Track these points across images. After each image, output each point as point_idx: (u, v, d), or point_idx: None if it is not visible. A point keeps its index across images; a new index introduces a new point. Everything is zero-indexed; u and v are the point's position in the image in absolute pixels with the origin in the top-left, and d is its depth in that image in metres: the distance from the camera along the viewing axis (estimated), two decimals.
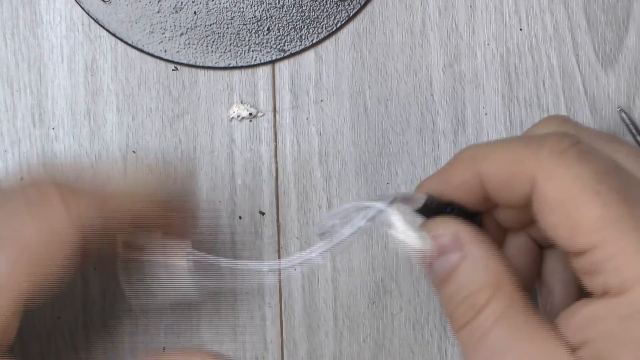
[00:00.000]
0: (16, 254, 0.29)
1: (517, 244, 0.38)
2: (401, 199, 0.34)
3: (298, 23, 0.44)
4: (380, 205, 0.34)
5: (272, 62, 0.45)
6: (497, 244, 0.37)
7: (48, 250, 0.30)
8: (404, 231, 0.33)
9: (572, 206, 0.30)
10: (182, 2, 0.44)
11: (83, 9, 0.44)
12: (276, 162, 0.44)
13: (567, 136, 0.32)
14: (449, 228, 0.34)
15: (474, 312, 0.32)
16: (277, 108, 0.45)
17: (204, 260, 0.35)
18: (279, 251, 0.44)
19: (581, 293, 0.32)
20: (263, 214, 0.44)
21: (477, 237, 0.33)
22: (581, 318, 0.31)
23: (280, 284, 0.44)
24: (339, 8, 0.44)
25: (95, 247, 0.32)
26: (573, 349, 0.30)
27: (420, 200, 0.35)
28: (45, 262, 0.30)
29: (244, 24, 0.44)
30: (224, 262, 0.35)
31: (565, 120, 0.36)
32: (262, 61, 0.44)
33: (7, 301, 0.30)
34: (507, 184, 0.32)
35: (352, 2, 0.44)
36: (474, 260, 0.33)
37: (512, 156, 0.32)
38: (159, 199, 0.36)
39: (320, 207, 0.44)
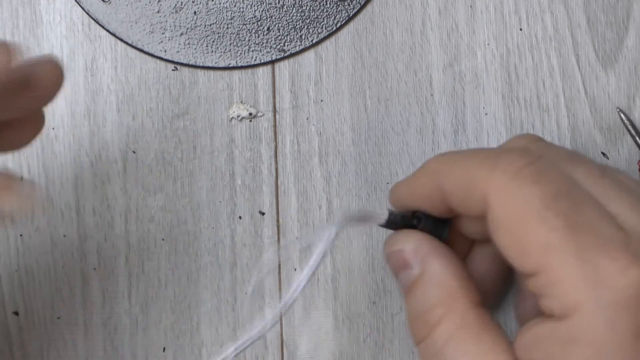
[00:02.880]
0: None
1: (485, 251, 0.38)
2: (362, 218, 0.35)
3: (298, 23, 0.44)
4: (333, 228, 0.33)
5: (272, 62, 0.45)
6: (463, 254, 0.38)
7: None
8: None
9: (520, 230, 0.30)
10: (182, 2, 0.44)
11: (83, 9, 0.44)
12: (276, 162, 0.44)
13: (524, 154, 0.32)
14: (409, 243, 0.34)
15: (428, 329, 0.33)
16: (277, 108, 0.45)
17: None
18: (279, 251, 0.44)
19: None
20: (263, 214, 0.44)
21: (436, 252, 0.34)
22: (530, 337, 0.31)
23: (280, 284, 0.44)
24: (339, 8, 0.44)
25: None
26: None
27: (382, 216, 0.35)
28: None
29: (244, 24, 0.44)
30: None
31: (535, 139, 0.36)
32: (262, 61, 0.44)
33: None
34: (463, 200, 0.33)
35: (352, 2, 0.44)
36: (430, 276, 0.34)
37: (468, 173, 0.32)
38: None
39: (320, 207, 0.44)
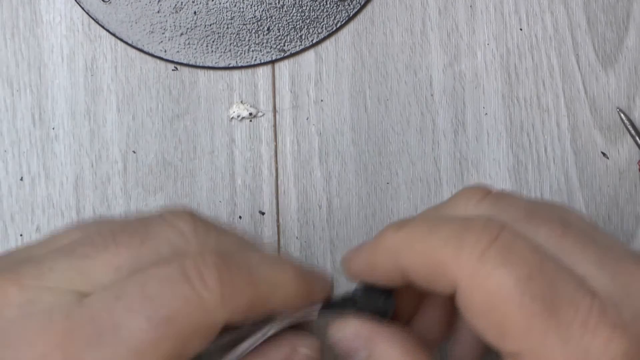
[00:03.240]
0: (163, 325, 0.28)
1: (433, 303, 0.37)
2: (290, 322, 0.33)
3: (298, 23, 0.44)
4: (259, 335, 0.32)
5: (272, 62, 0.45)
6: (409, 316, 0.37)
7: (193, 329, 0.29)
8: None
9: (497, 316, 0.30)
10: (182, 2, 0.44)
11: (83, 9, 0.44)
12: (276, 162, 0.44)
13: (487, 228, 0.31)
14: (348, 329, 0.34)
15: None
16: (277, 108, 0.45)
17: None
18: (278, 251, 0.44)
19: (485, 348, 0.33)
20: (263, 214, 0.44)
21: (379, 334, 0.33)
22: None
23: None
24: (339, 8, 0.44)
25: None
26: None
27: (314, 313, 0.34)
28: (187, 340, 0.29)
29: (244, 24, 0.44)
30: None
31: (484, 194, 0.35)
32: (262, 61, 0.44)
33: None
34: (428, 281, 0.32)
35: (352, 2, 0.44)
36: (376, 358, 0.33)
37: (431, 256, 0.31)
38: (306, 288, 0.33)
39: (320, 207, 0.44)
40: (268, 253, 0.34)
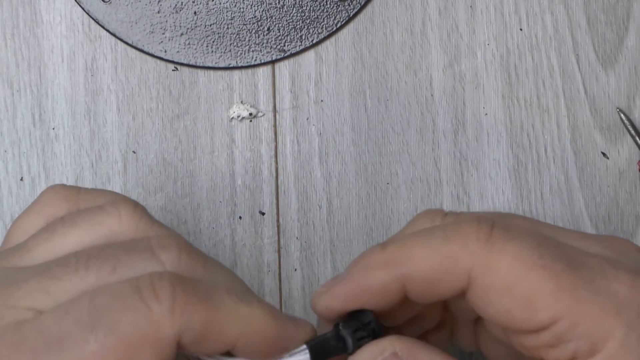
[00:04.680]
0: (107, 335, 0.28)
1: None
2: None
3: (298, 23, 0.44)
4: None
5: (272, 62, 0.45)
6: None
7: (141, 342, 0.28)
8: None
9: (524, 287, 0.30)
10: (182, 2, 0.44)
11: (83, 9, 0.44)
12: (276, 162, 0.44)
13: (481, 219, 0.31)
14: None
15: None
16: (277, 108, 0.45)
17: None
18: (279, 251, 0.44)
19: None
20: (263, 214, 0.44)
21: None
22: None
23: (280, 284, 0.44)
24: (339, 8, 0.44)
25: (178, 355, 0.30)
26: None
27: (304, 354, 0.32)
28: (135, 353, 0.28)
29: (244, 24, 0.44)
30: None
31: (444, 213, 0.35)
32: (262, 61, 0.44)
33: None
34: (436, 283, 0.31)
35: (352, 2, 0.44)
36: None
37: (438, 255, 0.31)
38: (275, 327, 0.31)
39: (320, 207, 0.44)
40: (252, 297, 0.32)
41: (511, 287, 0.30)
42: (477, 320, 0.35)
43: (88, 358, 0.28)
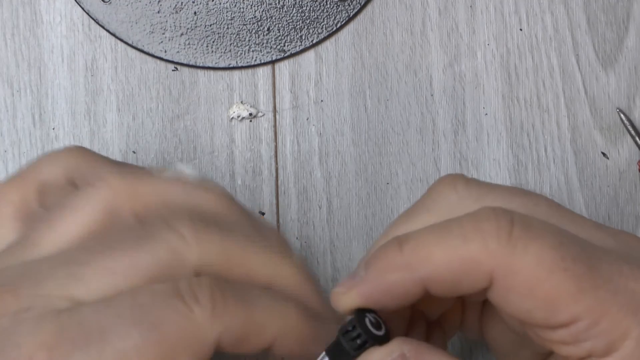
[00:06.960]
0: (150, 332, 0.28)
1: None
2: None
3: (298, 23, 0.44)
4: None
5: (272, 62, 0.45)
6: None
7: (182, 341, 0.29)
8: None
9: (545, 290, 0.30)
10: (182, 3, 0.44)
11: (83, 9, 0.44)
12: (276, 162, 0.44)
13: (499, 215, 0.31)
14: None
15: None
16: (277, 108, 0.45)
17: None
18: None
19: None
20: (263, 214, 0.44)
21: None
22: None
23: None
24: (339, 8, 0.44)
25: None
26: None
27: None
28: (175, 351, 0.29)
29: (244, 24, 0.44)
30: None
31: (465, 181, 0.35)
32: (262, 61, 0.44)
33: None
34: (456, 284, 0.31)
35: (352, 2, 0.44)
36: None
37: (457, 256, 0.31)
38: (309, 327, 0.32)
39: (320, 207, 0.44)
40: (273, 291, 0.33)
41: (533, 289, 0.30)
42: (485, 303, 0.36)
43: (130, 352, 0.28)
